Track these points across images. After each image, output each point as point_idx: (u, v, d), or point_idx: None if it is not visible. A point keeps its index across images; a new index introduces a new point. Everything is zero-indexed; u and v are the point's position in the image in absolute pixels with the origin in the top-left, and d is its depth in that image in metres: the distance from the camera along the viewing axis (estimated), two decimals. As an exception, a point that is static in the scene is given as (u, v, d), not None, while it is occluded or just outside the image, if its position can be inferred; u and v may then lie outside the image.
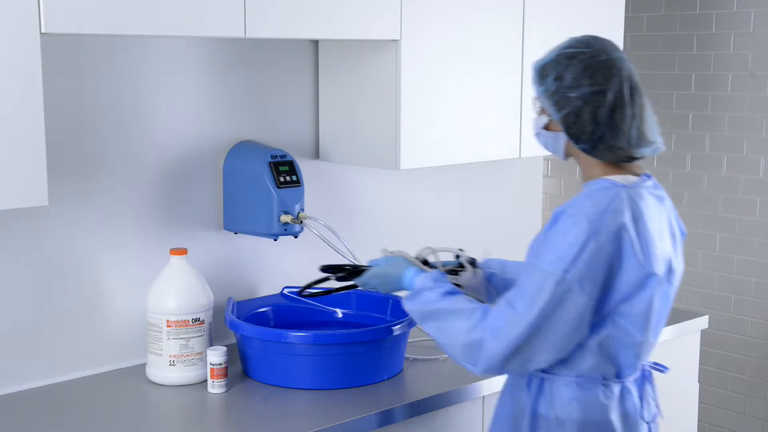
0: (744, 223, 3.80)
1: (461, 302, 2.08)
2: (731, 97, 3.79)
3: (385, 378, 2.56)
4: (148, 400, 2.43)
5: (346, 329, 2.58)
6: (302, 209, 2.67)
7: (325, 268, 2.41)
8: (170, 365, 2.49)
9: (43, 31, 2.03)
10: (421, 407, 2.43)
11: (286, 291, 2.86)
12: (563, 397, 2.04)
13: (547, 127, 2.09)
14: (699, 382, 3.98)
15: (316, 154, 3.01)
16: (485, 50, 2.95)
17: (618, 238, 1.94)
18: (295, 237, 2.72)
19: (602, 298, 1.97)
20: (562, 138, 2.07)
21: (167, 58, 2.64)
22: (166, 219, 2.70)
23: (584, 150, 2.03)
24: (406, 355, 2.71)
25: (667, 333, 3.07)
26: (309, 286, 2.50)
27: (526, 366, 2.01)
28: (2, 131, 2.01)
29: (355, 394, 2.45)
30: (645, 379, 2.16)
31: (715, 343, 3.94)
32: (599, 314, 1.98)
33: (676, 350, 3.16)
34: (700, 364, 3.97)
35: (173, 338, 2.48)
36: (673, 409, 3.20)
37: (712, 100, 3.85)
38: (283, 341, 2.44)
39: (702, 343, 3.93)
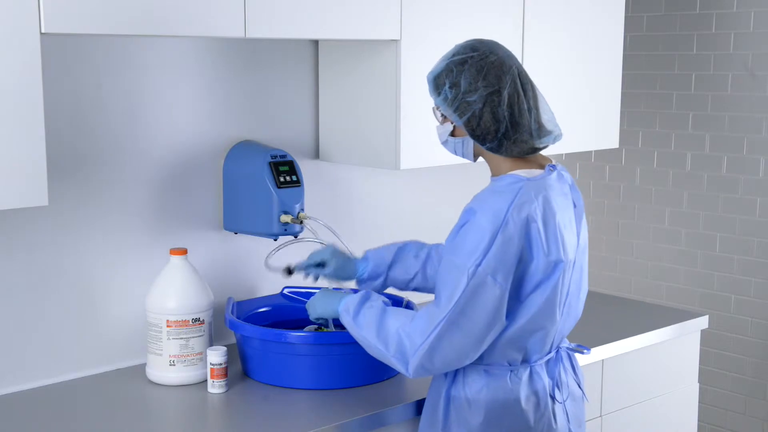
0: (744, 223, 3.80)
1: (394, 313, 2.16)
2: (731, 97, 3.79)
3: (385, 378, 2.56)
4: (148, 400, 2.43)
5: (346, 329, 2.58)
6: (302, 209, 2.67)
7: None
8: (170, 365, 2.49)
9: (43, 31, 2.03)
10: (421, 407, 2.43)
11: (286, 291, 2.86)
12: (473, 384, 2.17)
13: (453, 134, 2.19)
14: (699, 382, 3.99)
15: (316, 154, 3.01)
16: (485, 50, 2.95)
17: (526, 229, 2.04)
18: (295, 237, 2.71)
19: (517, 288, 2.06)
20: (469, 141, 2.17)
21: (167, 58, 2.64)
22: (166, 219, 2.70)
23: (491, 149, 2.13)
24: (406, 355, 2.71)
25: (667, 333, 3.07)
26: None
27: (456, 360, 2.09)
28: (2, 131, 2.00)
29: (355, 394, 2.45)
30: (560, 361, 2.24)
31: (715, 343, 3.94)
32: (513, 305, 2.08)
33: (676, 350, 3.16)
34: (700, 364, 3.97)
35: (173, 338, 2.48)
36: (673, 409, 3.20)
37: (712, 100, 3.85)
38: (283, 341, 2.44)
39: (702, 343, 3.93)
